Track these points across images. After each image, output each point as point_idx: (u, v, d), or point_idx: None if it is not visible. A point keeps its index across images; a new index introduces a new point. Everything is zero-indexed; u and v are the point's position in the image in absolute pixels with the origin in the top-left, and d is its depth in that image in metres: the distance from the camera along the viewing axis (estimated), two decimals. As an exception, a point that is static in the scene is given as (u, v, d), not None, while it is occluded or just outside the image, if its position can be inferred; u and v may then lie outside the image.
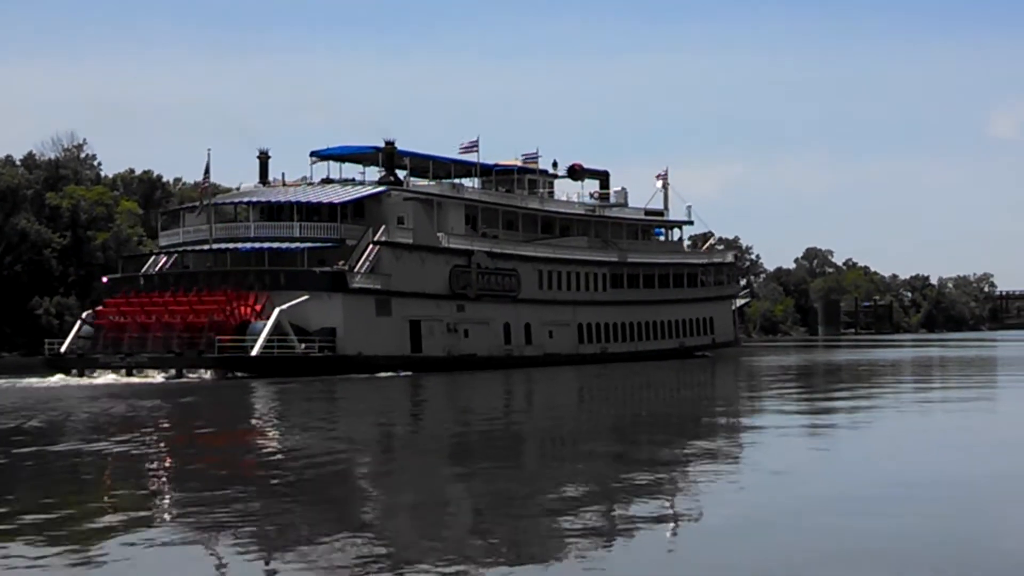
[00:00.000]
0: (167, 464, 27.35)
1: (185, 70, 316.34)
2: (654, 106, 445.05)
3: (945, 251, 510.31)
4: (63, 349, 72.16)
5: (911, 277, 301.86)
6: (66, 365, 69.24)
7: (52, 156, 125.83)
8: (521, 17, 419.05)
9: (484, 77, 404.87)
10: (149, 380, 64.35)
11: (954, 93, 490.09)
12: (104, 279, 79.10)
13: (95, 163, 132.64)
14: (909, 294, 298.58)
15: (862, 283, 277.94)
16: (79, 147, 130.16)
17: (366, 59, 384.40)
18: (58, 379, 65.04)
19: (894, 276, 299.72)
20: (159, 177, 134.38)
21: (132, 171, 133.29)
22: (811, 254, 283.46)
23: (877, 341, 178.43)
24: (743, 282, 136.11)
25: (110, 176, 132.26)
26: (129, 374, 66.49)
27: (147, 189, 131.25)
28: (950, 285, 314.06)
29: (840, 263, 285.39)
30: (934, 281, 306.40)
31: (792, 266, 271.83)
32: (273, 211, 77.55)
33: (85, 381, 64.35)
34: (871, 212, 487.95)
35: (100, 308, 73.43)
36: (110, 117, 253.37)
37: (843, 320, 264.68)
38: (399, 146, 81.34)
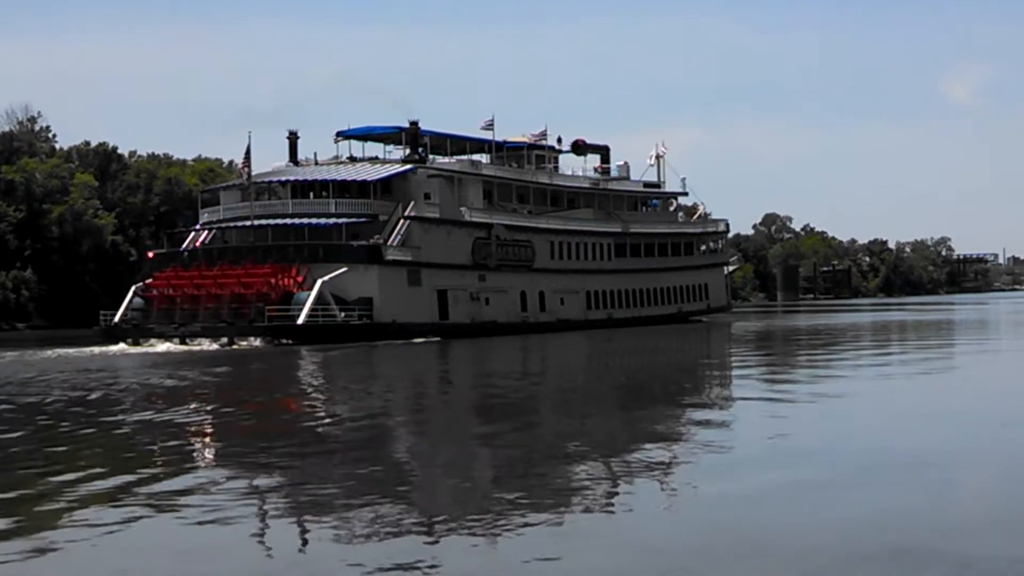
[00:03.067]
0: (241, 425, 29.02)
1: (145, 43, 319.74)
2: (614, 70, 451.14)
3: (903, 216, 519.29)
4: (116, 320, 76.65)
5: (869, 242, 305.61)
6: (122, 335, 73.12)
7: (6, 129, 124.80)
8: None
9: (437, 42, 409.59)
10: (204, 348, 68.35)
11: (910, 58, 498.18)
12: (150, 254, 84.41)
13: (50, 135, 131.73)
14: (867, 259, 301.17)
15: (820, 248, 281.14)
16: (33, 120, 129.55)
17: (332, 29, 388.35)
18: (119, 348, 69.53)
19: (852, 241, 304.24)
20: (115, 149, 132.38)
21: (88, 144, 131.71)
22: (770, 220, 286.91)
23: (836, 306, 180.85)
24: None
25: (65, 149, 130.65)
26: (183, 343, 70.55)
27: (103, 162, 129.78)
28: (908, 249, 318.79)
29: (798, 229, 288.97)
30: (892, 246, 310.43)
31: (751, 232, 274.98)
32: (304, 188, 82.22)
33: (142, 350, 68.28)
34: (829, 177, 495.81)
35: (150, 281, 77.38)
36: (67, 90, 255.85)
37: (802, 285, 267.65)
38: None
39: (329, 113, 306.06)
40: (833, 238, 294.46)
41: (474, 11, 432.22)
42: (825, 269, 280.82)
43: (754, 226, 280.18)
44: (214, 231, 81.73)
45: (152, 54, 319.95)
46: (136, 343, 71.69)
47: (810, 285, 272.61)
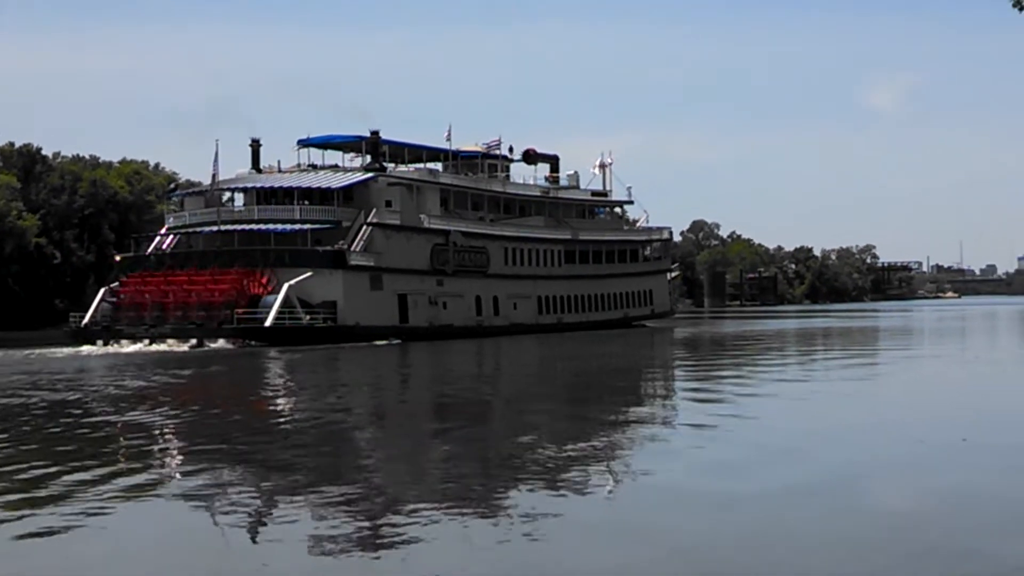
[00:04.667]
0: (217, 424, 29.67)
1: (73, 44, 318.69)
2: (543, 77, 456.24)
3: (828, 223, 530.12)
4: (84, 322, 78.46)
5: (795, 249, 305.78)
6: (91, 336, 75.00)
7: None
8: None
9: (385, 48, 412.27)
10: (174, 349, 70.22)
11: (835, 66, 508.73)
12: (116, 257, 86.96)
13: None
14: (793, 266, 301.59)
15: (747, 255, 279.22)
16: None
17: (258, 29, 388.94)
18: (90, 349, 71.27)
19: (778, 248, 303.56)
20: (39, 150, 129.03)
21: (12, 145, 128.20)
22: (697, 227, 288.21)
23: (763, 312, 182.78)
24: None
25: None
26: (152, 344, 72.42)
27: (27, 163, 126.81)
28: (833, 257, 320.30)
29: (725, 236, 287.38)
30: (817, 253, 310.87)
31: (679, 239, 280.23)
32: (268, 195, 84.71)
33: (113, 350, 70.08)
34: (756, 185, 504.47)
35: (119, 284, 79.74)
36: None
37: (728, 292, 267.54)
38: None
39: (267, 117, 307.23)
40: (760, 245, 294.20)
41: (416, 15, 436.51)
42: (751, 276, 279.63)
43: (682, 233, 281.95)
44: (179, 236, 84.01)
45: (80, 54, 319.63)
46: (107, 344, 73.46)
47: (737, 292, 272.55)
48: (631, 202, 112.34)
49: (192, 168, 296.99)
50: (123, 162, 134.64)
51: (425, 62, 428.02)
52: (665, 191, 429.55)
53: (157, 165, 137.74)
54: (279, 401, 37.54)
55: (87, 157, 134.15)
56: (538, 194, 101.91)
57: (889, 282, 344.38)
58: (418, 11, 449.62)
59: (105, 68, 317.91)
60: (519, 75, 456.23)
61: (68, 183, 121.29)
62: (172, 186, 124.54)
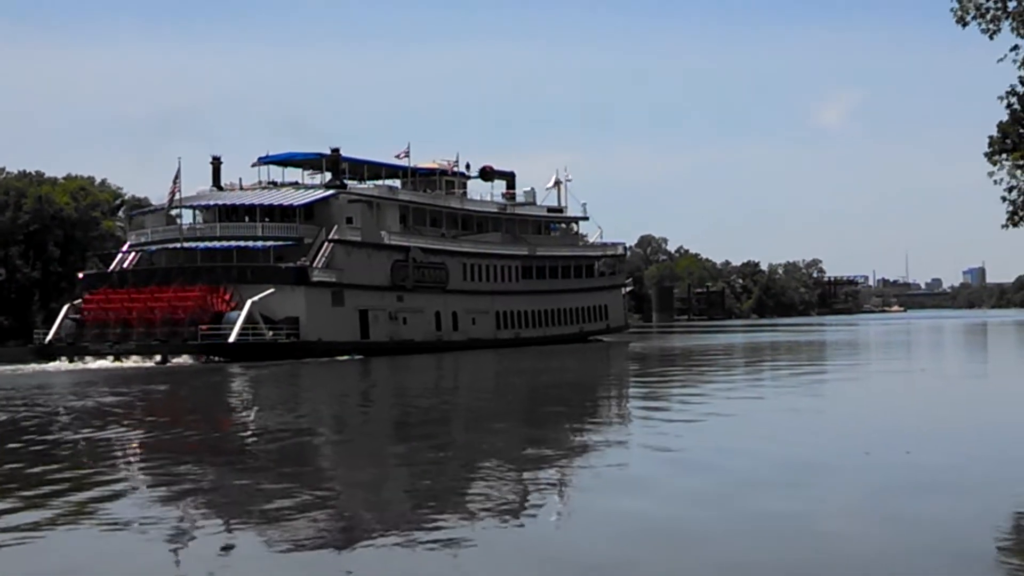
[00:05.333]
0: (181, 440, 29.79)
1: (14, 55, 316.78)
2: (492, 94, 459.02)
3: (775, 238, 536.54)
4: (48, 339, 79.04)
5: (742, 264, 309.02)
6: (55, 353, 75.60)
7: None
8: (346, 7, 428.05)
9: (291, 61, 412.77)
10: (138, 365, 70.86)
11: (783, 83, 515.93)
12: (80, 275, 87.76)
13: None
14: (740, 280, 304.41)
15: (695, 270, 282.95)
16: None
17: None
18: (55, 365, 71.53)
19: (726, 263, 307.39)
20: None
21: None
22: (645, 242, 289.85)
23: (711, 327, 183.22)
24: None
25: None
26: (117, 360, 73.22)
27: None
28: (780, 271, 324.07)
29: (673, 250, 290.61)
30: (764, 267, 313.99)
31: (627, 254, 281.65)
32: (229, 212, 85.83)
33: (78, 367, 70.58)
34: (704, 200, 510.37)
35: (84, 301, 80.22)
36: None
37: (676, 306, 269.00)
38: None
39: (220, 133, 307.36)
40: (707, 260, 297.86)
41: (369, 33, 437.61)
42: (699, 291, 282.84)
43: (629, 248, 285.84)
44: (141, 253, 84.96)
45: (28, 69, 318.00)
46: (71, 361, 74.10)
47: (685, 306, 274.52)
48: (586, 218, 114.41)
49: (138, 184, 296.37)
50: (68, 178, 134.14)
51: (378, 79, 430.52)
52: (613, 206, 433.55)
53: (103, 181, 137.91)
54: (244, 418, 37.95)
55: (32, 173, 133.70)
56: (495, 210, 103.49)
57: (835, 296, 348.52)
58: (371, 29, 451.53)
59: (50, 83, 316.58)
60: (471, 92, 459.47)
61: (12, 199, 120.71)
62: (118, 202, 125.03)
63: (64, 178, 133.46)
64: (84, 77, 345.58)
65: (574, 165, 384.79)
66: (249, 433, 31.70)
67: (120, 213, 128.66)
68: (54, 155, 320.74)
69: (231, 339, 74.62)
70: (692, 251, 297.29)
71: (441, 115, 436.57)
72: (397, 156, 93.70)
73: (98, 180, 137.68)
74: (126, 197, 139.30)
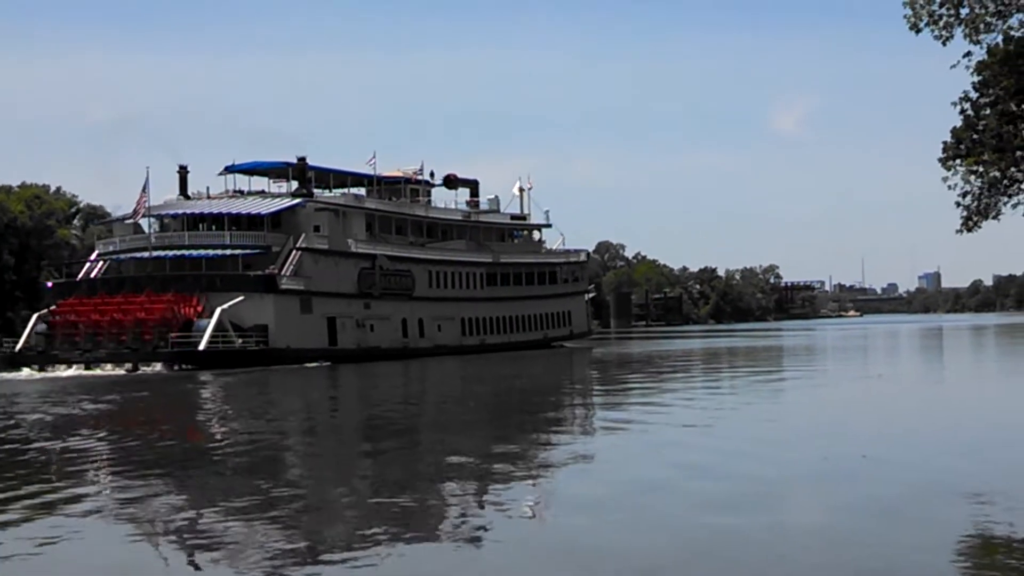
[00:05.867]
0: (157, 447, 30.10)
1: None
2: (447, 101, 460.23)
3: (732, 243, 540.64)
4: (18, 348, 79.57)
5: (700, 269, 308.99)
6: (26, 361, 76.38)
7: None
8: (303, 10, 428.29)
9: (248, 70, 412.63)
10: (109, 373, 71.89)
11: (738, 89, 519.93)
12: (48, 284, 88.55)
13: None
14: (698, 286, 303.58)
15: (652, 276, 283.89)
16: None
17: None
18: (25, 374, 72.51)
19: (683, 268, 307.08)
20: None
21: None
22: (603, 248, 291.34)
23: (669, 332, 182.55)
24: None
25: None
26: (87, 368, 74.05)
27: None
28: (737, 277, 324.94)
29: (631, 256, 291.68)
30: (722, 273, 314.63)
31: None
32: (196, 221, 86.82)
33: (49, 375, 71.55)
34: (661, 206, 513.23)
35: (54, 309, 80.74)
36: None
37: (634, 312, 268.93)
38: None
39: (180, 141, 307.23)
40: (665, 266, 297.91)
41: (325, 42, 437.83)
42: (657, 296, 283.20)
43: (588, 254, 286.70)
44: (109, 262, 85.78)
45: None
46: (42, 369, 74.96)
47: (642, 312, 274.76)
48: (549, 225, 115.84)
49: (94, 193, 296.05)
50: (23, 186, 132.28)
51: (341, 87, 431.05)
52: (571, 212, 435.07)
53: (58, 189, 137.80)
54: (214, 426, 38.20)
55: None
56: (460, 218, 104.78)
57: (792, 301, 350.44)
58: (331, 37, 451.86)
59: (2, 90, 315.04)
60: (431, 100, 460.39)
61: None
62: (73, 210, 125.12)
63: (19, 186, 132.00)
64: (39, 84, 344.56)
65: (532, 171, 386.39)
66: (219, 442, 31.91)
67: (75, 221, 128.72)
68: (8, 163, 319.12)
69: (201, 347, 75.58)
70: (650, 257, 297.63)
71: (402, 122, 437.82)
72: (368, 163, 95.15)
73: (53, 188, 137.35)
74: (81, 205, 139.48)
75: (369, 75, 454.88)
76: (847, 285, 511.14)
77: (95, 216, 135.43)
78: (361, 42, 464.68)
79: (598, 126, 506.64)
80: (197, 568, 15.41)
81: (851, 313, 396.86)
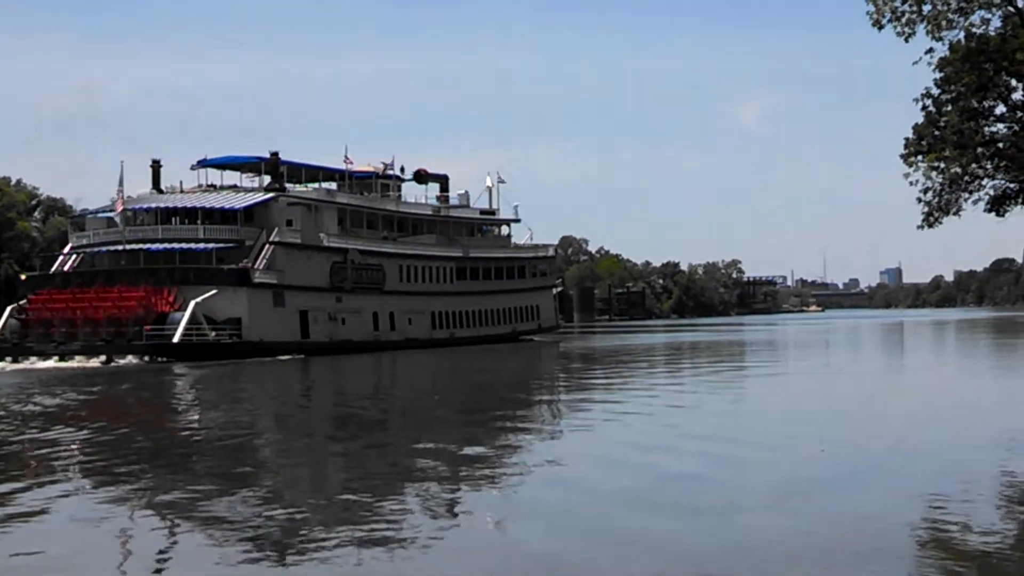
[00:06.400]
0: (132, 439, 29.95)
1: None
2: (413, 96, 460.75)
3: (695, 238, 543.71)
4: None
5: (662, 264, 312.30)
6: (0, 353, 76.96)
7: None
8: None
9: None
10: (84, 365, 72.40)
11: (700, 85, 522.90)
12: (23, 276, 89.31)
13: None
14: (660, 281, 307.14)
15: (615, 270, 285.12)
16: None
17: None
18: (0, 365, 73.39)
19: (646, 263, 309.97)
20: None
21: None
22: (566, 243, 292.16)
23: (632, 327, 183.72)
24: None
25: None
26: (62, 360, 74.60)
27: None
28: (700, 271, 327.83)
29: (594, 251, 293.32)
30: (684, 268, 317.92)
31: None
32: (169, 215, 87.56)
33: (23, 367, 72.02)
34: (624, 201, 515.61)
35: (28, 302, 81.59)
36: None
37: (597, 307, 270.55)
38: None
39: (145, 134, 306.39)
40: (628, 260, 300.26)
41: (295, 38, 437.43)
42: (620, 291, 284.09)
43: (555, 249, 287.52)
44: (83, 255, 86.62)
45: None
46: (16, 361, 75.51)
47: (605, 307, 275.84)
48: (518, 220, 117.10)
49: (55, 185, 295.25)
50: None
51: (309, 82, 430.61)
52: (535, 207, 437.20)
53: (19, 181, 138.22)
54: (189, 417, 38.52)
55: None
56: (430, 213, 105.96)
57: (754, 296, 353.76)
58: (297, 33, 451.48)
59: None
60: (392, 95, 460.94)
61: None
62: (34, 203, 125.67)
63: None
64: None
65: (495, 166, 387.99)
66: (194, 433, 32.22)
67: (36, 214, 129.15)
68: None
69: (175, 339, 76.41)
70: (613, 252, 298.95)
71: (367, 117, 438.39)
72: (345, 160, 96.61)
73: (13, 180, 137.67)
74: (42, 198, 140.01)
75: (334, 70, 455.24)
76: (809, 280, 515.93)
77: (56, 209, 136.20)
78: (326, 37, 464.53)
79: (561, 122, 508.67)
80: (161, 554, 15.70)
81: (813, 308, 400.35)
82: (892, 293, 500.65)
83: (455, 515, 18.12)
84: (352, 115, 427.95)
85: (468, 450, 25.37)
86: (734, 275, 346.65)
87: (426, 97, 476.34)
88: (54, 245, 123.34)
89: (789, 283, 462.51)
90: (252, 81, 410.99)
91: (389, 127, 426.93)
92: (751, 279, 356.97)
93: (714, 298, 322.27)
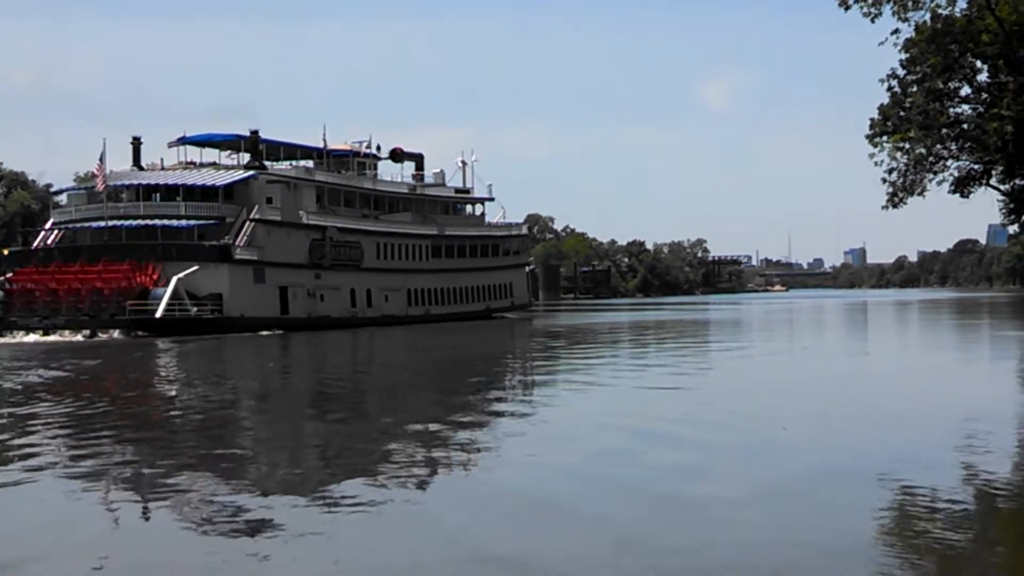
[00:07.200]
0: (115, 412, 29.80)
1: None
2: (374, 71, 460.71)
3: (661, 217, 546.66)
4: None
5: (628, 243, 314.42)
6: None
7: None
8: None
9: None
10: (67, 339, 73.77)
11: (667, 63, 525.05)
12: (5, 251, 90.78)
13: None
14: (626, 259, 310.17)
15: (581, 249, 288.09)
16: None
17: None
18: None
19: (612, 242, 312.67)
20: None
21: None
22: (532, 220, 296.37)
23: (597, 305, 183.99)
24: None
25: None
26: (46, 334, 75.95)
27: None
28: (665, 250, 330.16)
29: (560, 229, 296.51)
30: (650, 247, 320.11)
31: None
32: (150, 191, 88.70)
33: (5, 341, 73.29)
34: (590, 179, 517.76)
35: (11, 277, 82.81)
36: None
37: (563, 285, 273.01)
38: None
39: (102, 109, 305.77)
40: (593, 239, 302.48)
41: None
42: (585, 270, 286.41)
43: (528, 228, 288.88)
44: (64, 231, 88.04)
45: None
46: (0, 335, 77.01)
47: (571, 285, 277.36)
48: (492, 199, 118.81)
49: (15, 159, 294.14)
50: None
51: (281, 57, 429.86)
52: (499, 185, 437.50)
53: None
54: (172, 391, 38.45)
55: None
56: (406, 191, 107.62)
57: (719, 275, 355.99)
58: (268, 7, 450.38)
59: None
60: (357, 69, 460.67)
61: None
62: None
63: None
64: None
65: (461, 144, 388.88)
66: (176, 406, 32.26)
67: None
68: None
69: (158, 314, 77.95)
70: (578, 230, 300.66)
71: (329, 94, 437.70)
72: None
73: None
74: (4, 172, 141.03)
75: (299, 45, 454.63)
76: (774, 260, 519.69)
77: (18, 183, 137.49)
78: (292, 14, 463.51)
79: (526, 99, 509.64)
80: (142, 518, 15.93)
81: (777, 288, 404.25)
82: (856, 273, 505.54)
83: (424, 486, 17.87)
84: (324, 90, 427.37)
85: (433, 425, 24.93)
86: (699, 254, 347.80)
87: (386, 73, 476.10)
88: (16, 220, 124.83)
89: (754, 263, 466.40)
90: (219, 57, 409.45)
91: (345, 105, 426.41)
92: (716, 258, 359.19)
93: (679, 277, 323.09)
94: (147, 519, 15.99)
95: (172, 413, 29.98)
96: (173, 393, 37.20)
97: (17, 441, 23.44)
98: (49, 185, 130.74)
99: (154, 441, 23.66)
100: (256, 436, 25.48)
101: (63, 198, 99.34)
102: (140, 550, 13.95)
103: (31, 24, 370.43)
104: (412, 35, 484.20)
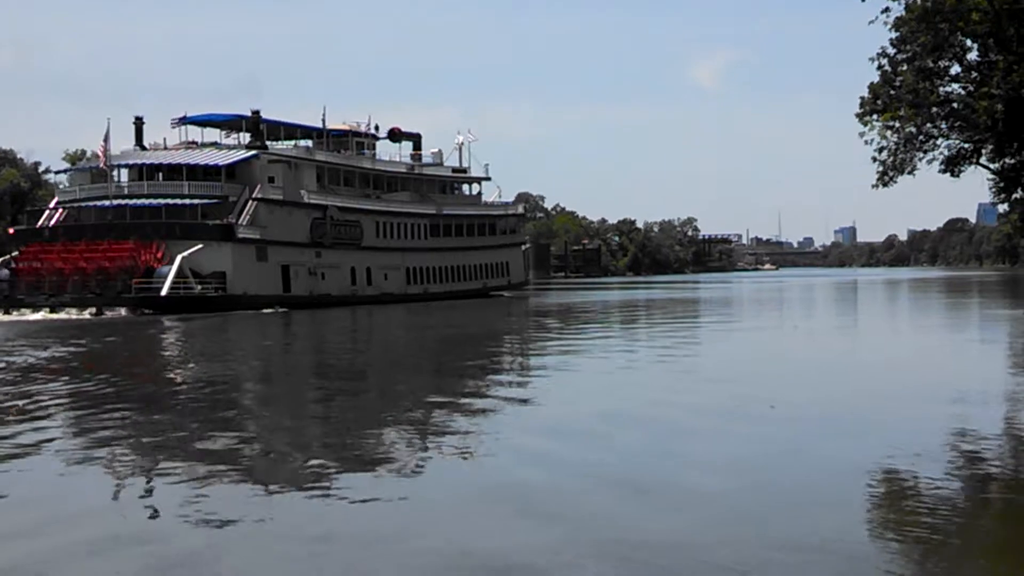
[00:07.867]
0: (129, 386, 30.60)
1: None
2: (363, 49, 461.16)
3: (651, 196, 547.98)
4: None
5: (619, 221, 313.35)
6: None
7: None
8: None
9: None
10: (74, 317, 74.99)
11: (657, 42, 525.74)
12: (10, 230, 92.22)
13: None
14: (616, 238, 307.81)
15: (572, 227, 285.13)
16: None
17: None
18: None
19: (602, 220, 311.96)
20: None
21: None
22: (522, 199, 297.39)
23: (587, 284, 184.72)
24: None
25: None
26: (53, 312, 76.99)
27: None
28: (656, 229, 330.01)
29: (550, 208, 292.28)
30: (640, 225, 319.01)
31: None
32: (153, 171, 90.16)
33: (14, 318, 74.22)
34: (581, 158, 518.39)
35: (17, 255, 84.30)
36: None
37: (553, 264, 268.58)
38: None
39: (88, 86, 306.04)
40: (584, 218, 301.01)
41: None
42: (576, 248, 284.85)
43: (524, 207, 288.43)
44: (68, 210, 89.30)
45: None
46: (7, 312, 77.85)
47: (561, 264, 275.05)
48: (488, 178, 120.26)
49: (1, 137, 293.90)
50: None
51: (276, 36, 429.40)
52: (491, 163, 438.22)
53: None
54: (181, 368, 39.07)
55: None
56: (404, 170, 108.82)
57: (710, 254, 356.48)
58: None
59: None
60: (344, 49, 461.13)
61: None
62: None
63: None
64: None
65: (451, 122, 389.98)
66: (184, 382, 32.50)
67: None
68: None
69: (163, 293, 79.38)
70: (569, 209, 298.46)
71: (338, 73, 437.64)
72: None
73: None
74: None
75: (299, 26, 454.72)
76: (764, 239, 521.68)
77: (6, 161, 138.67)
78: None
79: (516, 78, 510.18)
80: (146, 504, 15.47)
81: (767, 266, 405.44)
82: (846, 252, 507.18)
83: (424, 453, 18.47)
84: (319, 71, 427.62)
85: (433, 397, 25.95)
86: (690, 233, 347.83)
87: (378, 53, 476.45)
88: (5, 198, 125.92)
89: (744, 241, 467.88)
90: (215, 39, 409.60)
91: (336, 83, 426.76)
92: (707, 237, 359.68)
93: (670, 256, 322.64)
94: (146, 495, 15.87)
95: (177, 390, 30.19)
96: (184, 370, 37.43)
97: (23, 417, 23.45)
98: (38, 163, 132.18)
99: (158, 418, 23.48)
100: (257, 415, 25.24)
101: (63, 177, 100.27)
102: (133, 524, 13.98)
103: (12, 3, 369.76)
104: (407, 13, 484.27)
